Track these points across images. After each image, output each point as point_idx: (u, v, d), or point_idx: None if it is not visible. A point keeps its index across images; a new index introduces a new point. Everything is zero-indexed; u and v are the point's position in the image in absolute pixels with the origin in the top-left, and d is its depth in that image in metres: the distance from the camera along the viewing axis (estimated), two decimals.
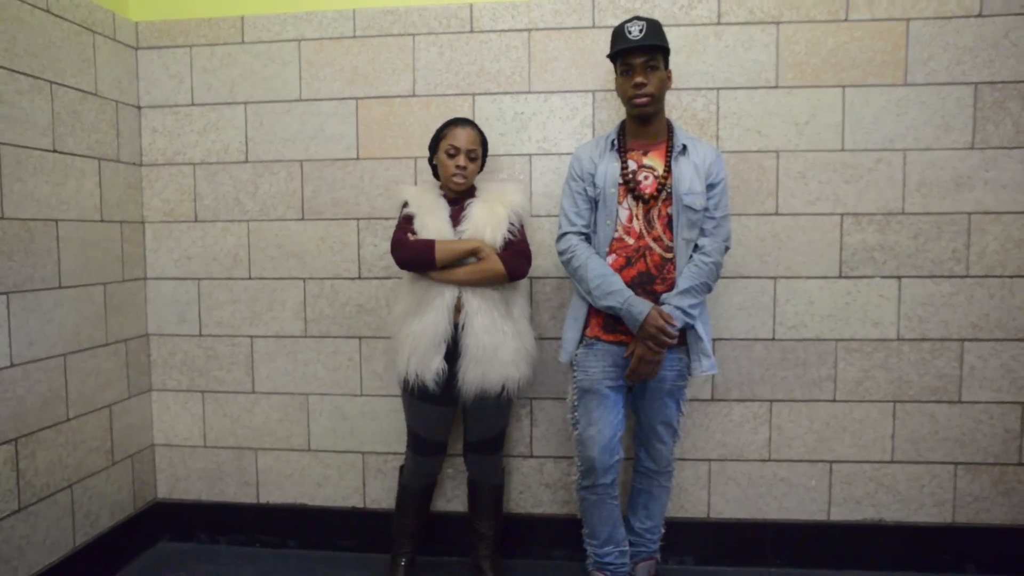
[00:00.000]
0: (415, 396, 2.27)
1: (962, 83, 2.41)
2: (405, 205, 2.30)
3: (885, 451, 2.54)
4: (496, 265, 2.16)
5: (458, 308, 2.20)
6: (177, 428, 2.82)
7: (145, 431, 2.80)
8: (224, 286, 2.75)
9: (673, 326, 1.99)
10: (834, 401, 2.53)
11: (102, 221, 2.55)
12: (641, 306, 1.99)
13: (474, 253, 2.17)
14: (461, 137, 2.23)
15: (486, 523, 2.45)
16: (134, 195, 2.73)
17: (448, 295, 2.20)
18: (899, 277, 2.48)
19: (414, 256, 2.18)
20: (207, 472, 2.82)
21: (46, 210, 2.30)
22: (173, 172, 2.75)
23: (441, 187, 2.33)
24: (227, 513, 2.81)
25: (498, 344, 2.19)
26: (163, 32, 2.70)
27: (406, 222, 2.26)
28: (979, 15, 2.39)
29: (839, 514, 2.57)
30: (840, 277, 2.49)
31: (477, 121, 2.55)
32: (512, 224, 2.22)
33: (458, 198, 2.29)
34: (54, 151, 2.34)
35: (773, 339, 2.53)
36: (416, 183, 2.60)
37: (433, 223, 2.22)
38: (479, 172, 2.35)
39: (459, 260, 2.18)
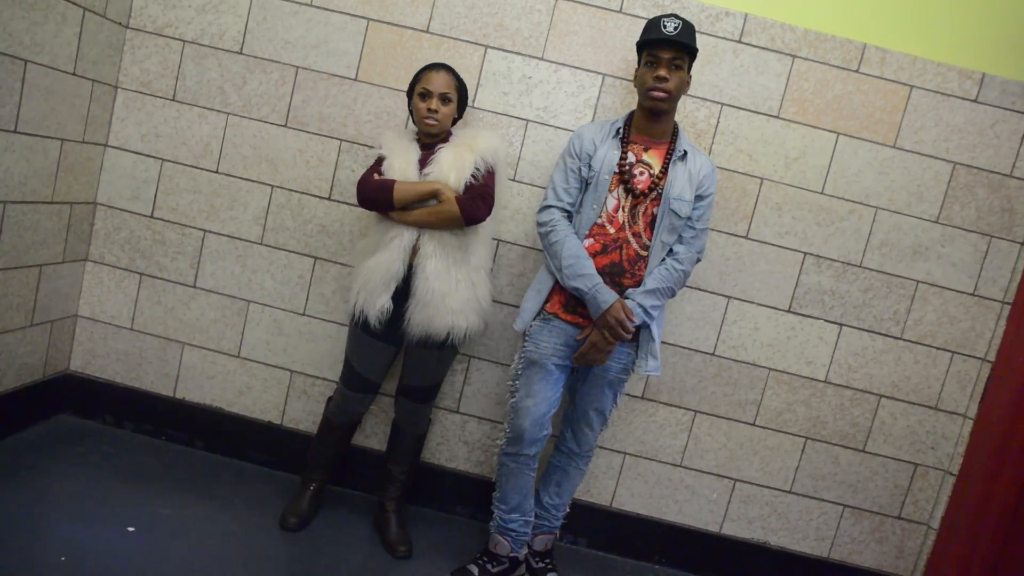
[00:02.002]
0: (360, 327, 2.27)
1: (943, 159, 2.53)
2: (380, 147, 2.29)
3: (786, 481, 2.68)
4: (452, 207, 2.15)
5: (416, 250, 2.20)
6: (105, 304, 2.73)
7: (71, 300, 2.69)
8: (188, 173, 2.65)
9: (632, 321, 2.04)
10: (753, 425, 2.66)
11: (74, 75, 2.41)
12: (607, 295, 2.03)
13: (435, 195, 2.15)
14: (434, 80, 2.21)
15: (401, 468, 2.47)
16: (113, 56, 2.58)
17: (407, 236, 2.18)
18: (841, 324, 2.60)
19: (373, 195, 2.17)
20: (127, 355, 2.74)
21: (16, 47, 2.16)
22: (160, 44, 2.61)
23: (417, 133, 2.32)
24: (139, 400, 2.74)
25: (448, 291, 2.19)
26: None
27: (376, 163, 2.25)
28: (974, 100, 2.51)
29: (730, 529, 2.71)
30: (788, 311, 2.60)
31: (484, 75, 2.53)
32: (477, 169, 2.20)
33: (432, 144, 2.27)
34: None
35: (713, 354, 2.63)
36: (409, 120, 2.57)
37: (400, 165, 2.21)
38: (457, 119, 2.33)
39: (420, 202, 2.17)
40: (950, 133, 2.52)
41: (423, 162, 2.23)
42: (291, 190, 2.64)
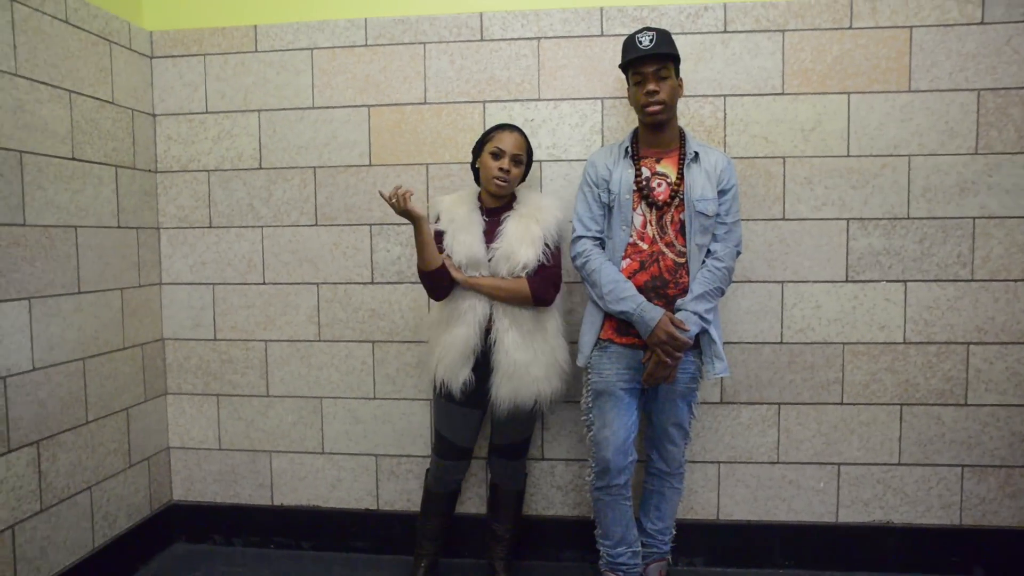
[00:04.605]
0: (443, 397, 2.31)
1: (965, 89, 2.44)
2: (437, 219, 2.30)
3: (892, 453, 2.56)
4: (523, 287, 2.18)
5: (491, 321, 2.24)
6: (192, 431, 2.86)
7: (161, 434, 2.84)
8: (238, 291, 2.79)
9: (686, 331, 2.02)
10: (841, 404, 2.56)
11: (119, 227, 2.60)
12: (653, 312, 2.02)
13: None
14: (508, 141, 2.23)
15: (504, 526, 2.48)
16: (149, 201, 2.77)
17: (480, 310, 2.22)
18: (905, 281, 2.51)
19: (426, 288, 2.28)
20: (222, 474, 2.86)
21: (65, 216, 2.35)
22: (188, 179, 2.79)
23: (480, 195, 2.33)
24: (242, 515, 2.85)
25: (529, 360, 2.21)
26: (177, 41, 2.75)
27: (436, 239, 2.26)
28: (981, 23, 2.43)
29: (847, 516, 2.60)
30: (847, 281, 2.52)
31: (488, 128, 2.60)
32: (547, 246, 2.21)
33: (496, 209, 2.29)
34: (73, 159, 2.38)
35: (781, 342, 2.56)
36: (429, 190, 2.65)
37: (466, 239, 2.22)
38: (522, 181, 2.35)
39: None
40: (965, 61, 2.43)
41: (489, 234, 2.25)
42: (335, 283, 2.74)
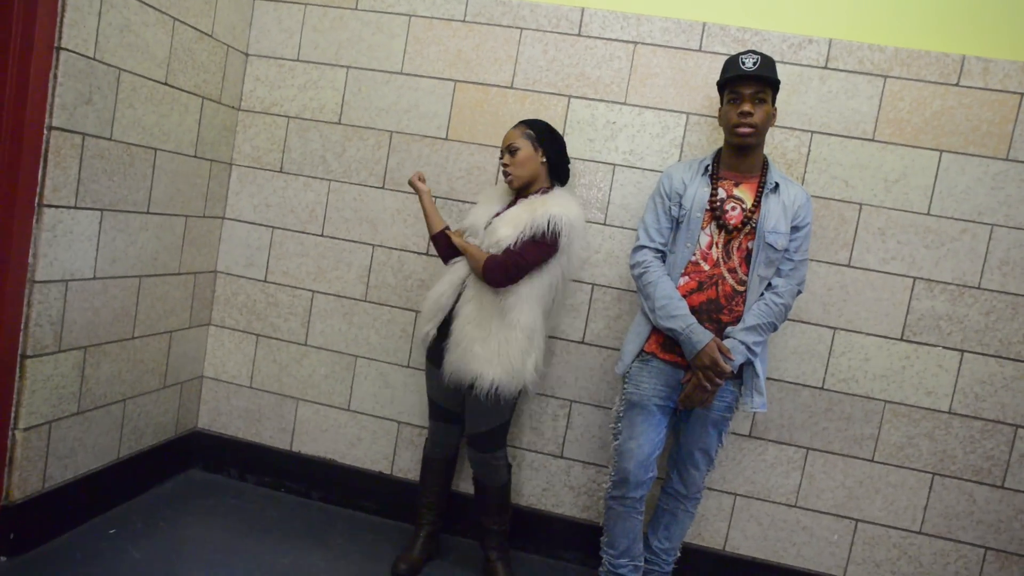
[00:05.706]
0: (426, 356, 2.43)
1: None
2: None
3: (915, 521, 2.51)
4: (479, 261, 2.21)
5: (463, 288, 2.30)
6: (227, 365, 2.93)
7: (197, 362, 2.91)
8: (296, 238, 2.84)
9: (731, 360, 2.00)
10: (872, 461, 2.51)
11: (195, 156, 2.66)
12: (701, 335, 2.00)
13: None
14: (505, 138, 2.31)
15: (490, 518, 2.46)
16: (227, 137, 2.83)
17: (459, 271, 2.31)
18: (962, 351, 2.44)
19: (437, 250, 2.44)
20: (248, 411, 2.92)
21: (148, 138, 2.41)
22: (267, 121, 2.84)
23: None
24: (260, 453, 2.91)
25: (478, 337, 2.20)
26: None
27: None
28: None
29: (856, 573, 2.55)
30: (901, 340, 2.47)
31: (568, 123, 2.60)
32: (523, 233, 2.16)
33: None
34: (165, 84, 2.44)
35: (822, 388, 2.52)
36: (499, 173, 2.66)
37: (479, 210, 2.39)
38: (548, 162, 2.29)
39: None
40: None
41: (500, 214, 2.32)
42: (391, 248, 2.77)
